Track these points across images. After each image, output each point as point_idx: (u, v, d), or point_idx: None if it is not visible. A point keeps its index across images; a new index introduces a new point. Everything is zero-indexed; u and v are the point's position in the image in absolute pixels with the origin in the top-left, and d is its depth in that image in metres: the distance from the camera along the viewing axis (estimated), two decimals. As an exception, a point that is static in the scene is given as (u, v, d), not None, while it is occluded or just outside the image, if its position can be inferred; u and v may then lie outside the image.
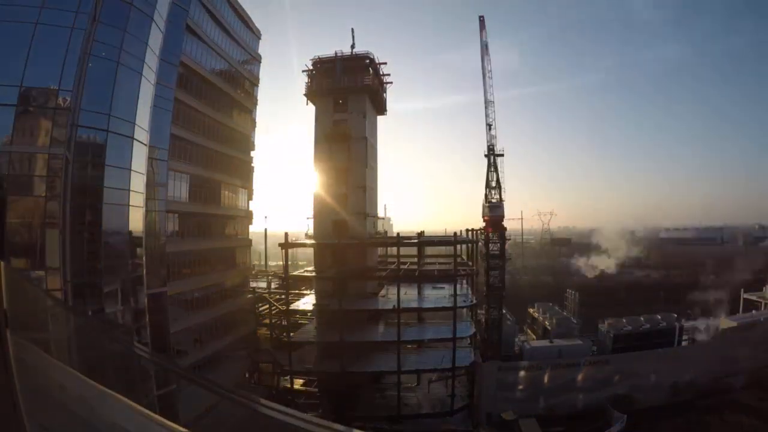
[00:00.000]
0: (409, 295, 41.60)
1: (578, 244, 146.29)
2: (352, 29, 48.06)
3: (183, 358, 33.56)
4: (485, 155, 48.37)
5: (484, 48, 48.41)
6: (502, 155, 48.42)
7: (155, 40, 26.82)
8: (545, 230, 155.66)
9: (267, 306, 47.82)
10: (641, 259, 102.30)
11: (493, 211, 47.98)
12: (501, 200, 48.64)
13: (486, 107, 48.26)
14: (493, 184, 48.46)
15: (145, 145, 26.49)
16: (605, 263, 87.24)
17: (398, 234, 43.35)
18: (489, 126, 48.28)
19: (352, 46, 47.09)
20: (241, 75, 45.35)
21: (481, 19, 48.55)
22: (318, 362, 38.88)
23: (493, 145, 48.17)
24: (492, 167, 48.23)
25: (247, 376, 42.35)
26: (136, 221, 25.81)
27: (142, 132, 25.91)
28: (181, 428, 2.95)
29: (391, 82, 51.40)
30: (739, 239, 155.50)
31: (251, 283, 49.68)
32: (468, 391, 40.32)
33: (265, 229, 38.01)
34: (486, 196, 48.66)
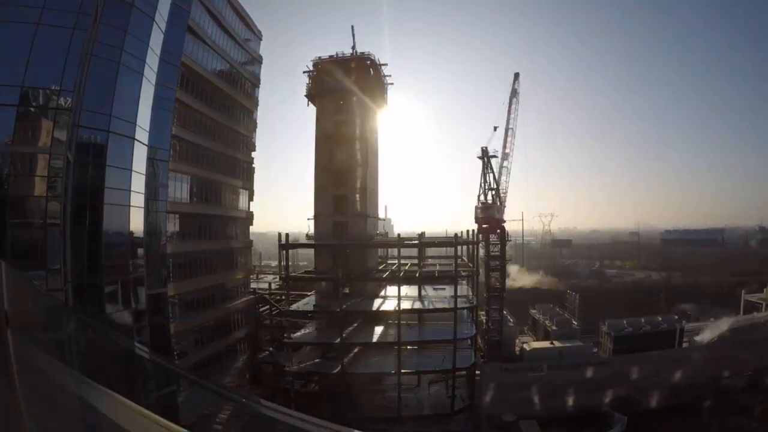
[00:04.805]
0: (409, 296, 41.56)
1: (578, 245, 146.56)
2: (352, 27, 48.25)
3: (183, 359, 33.56)
4: (478, 157, 48.82)
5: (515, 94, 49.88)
6: (497, 156, 48.92)
7: (156, 40, 26.85)
8: (546, 231, 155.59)
9: (267, 306, 47.82)
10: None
11: (484, 212, 48.38)
12: (499, 202, 48.92)
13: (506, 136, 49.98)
14: (491, 185, 48.92)
15: (146, 145, 26.51)
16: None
17: (399, 235, 43.33)
18: (507, 155, 50.06)
19: (353, 47, 47.20)
20: (242, 76, 45.39)
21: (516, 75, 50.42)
22: (318, 363, 38.85)
23: (487, 149, 48.98)
24: (487, 168, 48.69)
25: (247, 376, 42.31)
26: (136, 222, 25.84)
27: (143, 132, 25.93)
28: (181, 428, 2.95)
29: (393, 83, 51.51)
30: (739, 240, 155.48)
31: (252, 283, 49.68)
32: (468, 393, 40.25)
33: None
34: (479, 197, 49.15)
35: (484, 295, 48.65)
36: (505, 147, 50.02)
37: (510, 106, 49.64)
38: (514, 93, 49.54)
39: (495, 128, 50.21)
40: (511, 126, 49.83)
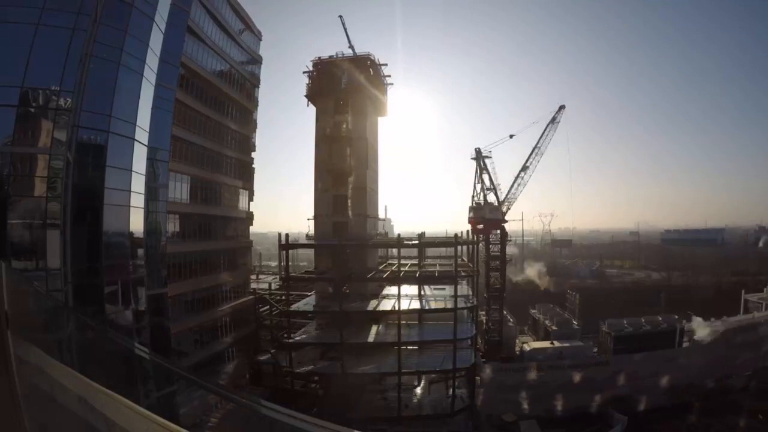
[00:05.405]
0: (409, 296, 41.55)
1: (578, 245, 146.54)
2: (341, 17, 48.12)
3: (183, 359, 33.56)
4: (472, 158, 48.93)
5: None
6: (490, 157, 49.18)
7: (156, 41, 26.88)
8: (546, 231, 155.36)
9: (267, 307, 47.83)
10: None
11: (476, 212, 48.66)
12: (498, 202, 49.04)
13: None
14: (488, 185, 49.11)
15: (146, 146, 26.54)
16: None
17: (399, 235, 43.33)
18: (526, 167, 50.97)
19: (350, 47, 47.17)
20: (241, 76, 45.39)
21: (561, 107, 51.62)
22: (318, 363, 38.84)
23: (480, 150, 49.05)
24: (483, 169, 48.85)
25: (247, 377, 42.31)
26: (136, 222, 25.87)
27: (142, 133, 25.96)
28: (181, 429, 2.95)
29: (392, 83, 51.48)
30: (739, 240, 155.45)
31: (252, 283, 49.68)
32: (468, 393, 40.26)
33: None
34: (473, 198, 49.36)
35: (484, 296, 48.69)
36: (527, 161, 50.96)
37: (545, 131, 50.93)
38: (553, 120, 50.92)
39: (511, 136, 50.93)
40: (539, 146, 50.83)
